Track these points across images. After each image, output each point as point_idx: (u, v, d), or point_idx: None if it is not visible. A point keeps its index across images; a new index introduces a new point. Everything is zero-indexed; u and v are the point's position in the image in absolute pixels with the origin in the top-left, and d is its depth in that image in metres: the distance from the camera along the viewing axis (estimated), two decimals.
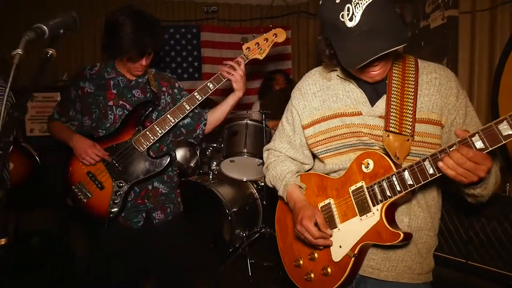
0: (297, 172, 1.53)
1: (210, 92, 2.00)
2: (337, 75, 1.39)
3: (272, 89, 4.09)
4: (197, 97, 1.98)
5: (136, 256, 2.04)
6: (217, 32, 4.80)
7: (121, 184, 1.94)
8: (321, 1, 1.19)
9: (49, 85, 3.65)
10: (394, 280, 1.31)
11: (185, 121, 2.15)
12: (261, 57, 2.09)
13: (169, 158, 1.99)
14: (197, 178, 3.48)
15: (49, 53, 0.97)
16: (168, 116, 1.96)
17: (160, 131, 1.95)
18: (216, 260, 3.22)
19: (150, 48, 1.89)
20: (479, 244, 1.69)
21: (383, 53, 1.07)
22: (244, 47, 2.08)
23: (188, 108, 1.98)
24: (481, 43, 2.43)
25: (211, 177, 3.42)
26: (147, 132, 1.94)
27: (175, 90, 2.15)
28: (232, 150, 3.29)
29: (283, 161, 1.56)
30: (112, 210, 1.93)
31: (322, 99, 1.42)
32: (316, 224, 1.32)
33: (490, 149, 1.03)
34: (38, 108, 3.76)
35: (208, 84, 2.00)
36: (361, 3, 1.09)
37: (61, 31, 1.01)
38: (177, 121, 1.98)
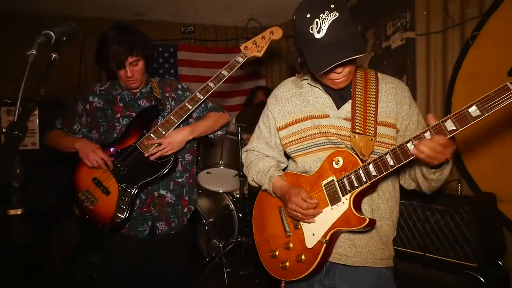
0: (278, 167, 1.69)
1: (211, 90, 2.03)
2: (308, 83, 1.58)
3: (251, 104, 4.32)
4: (198, 96, 2.00)
5: (140, 266, 2.04)
6: (193, 52, 4.97)
7: (126, 188, 1.92)
8: (294, 16, 1.39)
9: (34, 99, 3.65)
10: (360, 264, 1.47)
11: (192, 122, 2.14)
12: (259, 54, 2.14)
13: (174, 159, 1.97)
14: None
15: (53, 57, 1.09)
16: (171, 117, 1.97)
17: (164, 133, 1.95)
18: (193, 269, 3.27)
19: (130, 55, 1.90)
20: (434, 237, 1.88)
21: (344, 60, 1.26)
22: (241, 46, 2.13)
23: (190, 107, 1.98)
24: (435, 62, 2.70)
25: None
26: (151, 135, 1.95)
27: (179, 92, 2.16)
28: (208, 162, 3.41)
29: (263, 158, 1.72)
30: (118, 215, 1.90)
31: (294, 104, 1.60)
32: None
33: (460, 129, 1.21)
34: None
35: (209, 83, 2.03)
36: (327, 19, 1.29)
37: (64, 38, 1.13)
38: (180, 121, 1.97)
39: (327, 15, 1.29)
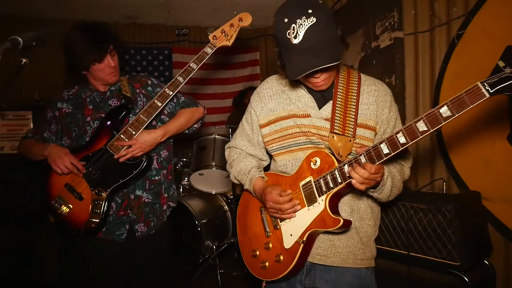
0: (259, 167, 1.70)
1: (181, 85, 1.96)
2: (292, 82, 1.59)
3: (242, 105, 4.32)
4: (167, 92, 1.94)
5: (117, 270, 2.01)
6: (187, 54, 4.99)
7: (100, 192, 1.88)
8: (274, 19, 1.39)
9: (21, 103, 3.70)
10: (340, 265, 1.48)
11: (165, 118, 2.10)
12: (229, 43, 2.04)
13: (147, 160, 1.92)
14: None
15: (23, 62, 1.10)
16: (141, 115, 1.91)
17: (134, 132, 1.89)
18: (186, 270, 3.29)
19: (109, 43, 1.90)
20: (418, 236, 1.88)
21: (317, 69, 1.28)
22: (210, 36, 2.03)
23: (160, 104, 1.92)
24: (423, 61, 2.70)
25: (181, 190, 3.53)
26: (121, 136, 1.90)
27: (149, 88, 2.10)
28: (200, 164, 3.43)
29: (245, 157, 1.72)
30: (93, 220, 1.87)
31: (277, 101, 1.60)
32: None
33: (431, 130, 1.21)
34: (9, 127, 3.79)
35: (178, 77, 1.96)
36: (304, 24, 1.29)
37: (34, 43, 1.15)
38: (150, 119, 1.91)
39: (304, 21, 1.29)
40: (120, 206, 1.97)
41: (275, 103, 1.61)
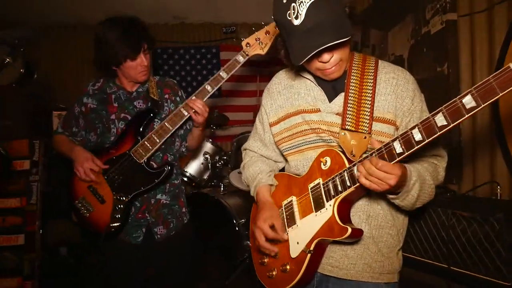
0: (270, 172, 1.57)
1: (209, 94, 1.92)
2: (300, 74, 1.44)
3: None
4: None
5: (136, 273, 2.01)
6: (235, 51, 4.94)
7: (121, 197, 1.88)
8: (273, 5, 1.26)
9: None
10: (354, 278, 1.31)
11: (181, 131, 2.09)
12: (263, 52, 1.96)
13: (169, 168, 1.92)
14: (209, 190, 3.56)
15: (6, 60, 1.10)
16: (166, 124, 1.89)
17: (158, 140, 1.88)
18: (224, 271, 3.25)
19: (144, 41, 1.86)
20: (461, 248, 1.61)
21: (324, 47, 1.11)
22: (243, 43, 1.95)
23: (185, 114, 1.90)
24: (481, 46, 2.35)
25: (222, 188, 3.49)
26: (145, 142, 1.89)
27: (177, 98, 2.08)
28: (240, 162, 3.35)
29: (255, 162, 1.61)
30: (113, 224, 1.87)
31: (286, 97, 1.47)
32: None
33: (427, 141, 1.03)
34: None
35: (206, 86, 1.92)
36: (305, 2, 1.13)
37: (16, 42, 1.14)
38: (175, 128, 1.90)
39: None
40: (139, 209, 1.96)
41: (284, 99, 1.47)
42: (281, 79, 1.52)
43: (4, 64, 1.06)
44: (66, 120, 2.07)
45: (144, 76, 1.95)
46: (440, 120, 1.01)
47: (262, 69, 4.99)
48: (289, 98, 1.45)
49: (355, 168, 1.19)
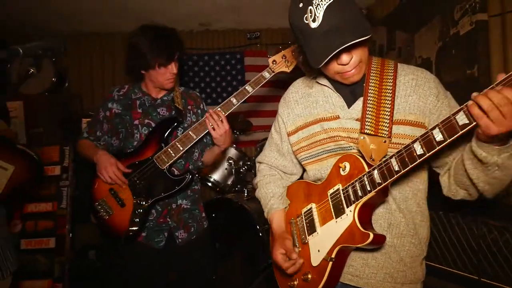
0: (282, 193, 1.56)
1: (234, 107, 1.95)
2: (317, 82, 1.42)
3: None
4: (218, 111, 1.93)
5: (158, 277, 2.03)
6: (259, 56, 4.96)
7: (141, 202, 1.92)
8: (289, 10, 1.25)
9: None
10: None
11: (200, 143, 2.13)
12: (288, 70, 1.98)
13: (190, 177, 1.96)
14: (232, 195, 3.56)
15: (31, 71, 1.14)
16: (190, 132, 1.93)
17: (181, 148, 1.91)
18: (247, 277, 3.23)
19: (176, 50, 1.93)
20: (492, 259, 1.53)
21: (344, 46, 1.09)
22: (270, 60, 1.98)
23: (210, 124, 1.91)
24: None
25: (245, 194, 3.49)
26: (169, 149, 1.92)
27: (199, 111, 2.14)
28: None
29: (267, 184, 1.60)
30: (132, 228, 1.91)
31: (303, 106, 1.45)
32: None
33: (448, 140, 0.99)
34: None
35: (232, 99, 1.94)
36: (321, 4, 1.12)
37: (40, 52, 1.18)
38: (198, 137, 1.93)
39: (321, 0, 1.12)
40: (160, 214, 1.99)
41: (302, 108, 1.45)
42: (298, 88, 1.50)
43: (29, 74, 1.11)
44: (91, 125, 2.13)
45: (171, 83, 2.01)
46: (461, 119, 0.97)
47: (287, 75, 4.97)
48: (307, 107, 1.44)
49: (374, 172, 1.16)
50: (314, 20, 1.14)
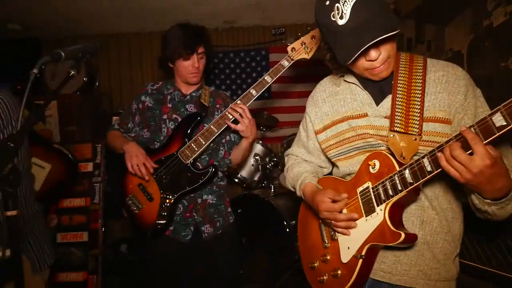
0: (314, 173, 1.56)
1: (254, 98, 1.94)
2: (344, 80, 1.42)
3: None
4: (239, 103, 1.93)
5: (184, 271, 2.07)
6: (284, 52, 4.94)
7: (168, 196, 1.97)
8: (315, 9, 1.25)
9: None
10: (408, 285, 1.26)
11: (228, 137, 2.15)
12: (308, 56, 1.95)
13: (213, 170, 1.99)
14: (259, 191, 3.59)
15: (71, 73, 1.19)
16: (212, 126, 1.95)
17: (203, 142, 1.94)
18: (274, 272, 3.25)
19: (198, 44, 1.98)
20: None
21: (373, 42, 1.09)
22: (289, 48, 1.97)
23: (231, 117, 1.93)
24: None
25: (272, 190, 3.51)
26: (192, 144, 1.95)
27: None
28: None
29: (299, 163, 1.62)
30: (159, 222, 1.95)
31: (331, 104, 1.45)
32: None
33: (484, 142, 0.97)
34: None
35: (251, 91, 1.94)
36: (348, 1, 1.13)
37: (80, 55, 1.23)
38: (220, 131, 1.95)
39: None
40: (187, 208, 2.03)
41: (329, 106, 1.45)
42: (325, 87, 1.51)
43: (69, 76, 1.16)
44: (123, 118, 2.20)
45: (194, 78, 2.05)
46: (498, 120, 0.95)
47: (312, 70, 4.95)
48: (334, 105, 1.44)
49: (406, 171, 1.15)
50: (341, 17, 1.14)
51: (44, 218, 2.06)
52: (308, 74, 4.96)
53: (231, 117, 1.94)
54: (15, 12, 3.84)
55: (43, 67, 1.14)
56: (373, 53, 1.18)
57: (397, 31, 1.11)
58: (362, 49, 1.11)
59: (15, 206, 1.01)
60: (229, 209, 2.17)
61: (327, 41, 1.26)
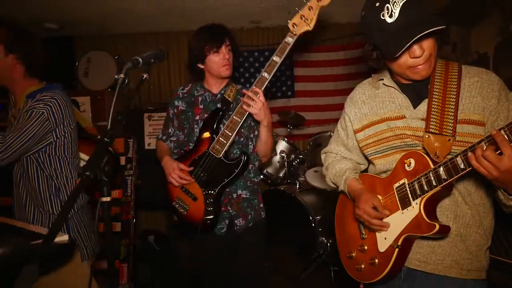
0: (355, 170, 1.68)
1: (267, 81, 1.95)
2: (384, 83, 1.53)
3: None
4: (255, 89, 1.97)
5: (218, 262, 2.17)
6: (309, 52, 5.06)
7: (210, 192, 2.05)
8: (363, 11, 1.37)
9: (163, 106, 4.33)
10: (442, 273, 1.37)
11: (256, 132, 2.20)
12: (310, 28, 1.95)
13: (245, 158, 2.04)
14: (285, 187, 3.71)
15: (144, 77, 1.34)
16: (234, 117, 1.99)
17: (230, 134, 1.98)
18: (300, 266, 3.38)
19: (226, 37, 2.09)
20: None
21: (422, 34, 1.19)
22: (289, 24, 1.95)
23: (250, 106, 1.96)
24: None
25: (297, 186, 3.63)
26: (220, 138, 2.01)
27: None
28: (316, 161, 3.47)
29: (340, 160, 1.74)
30: (208, 217, 2.04)
31: (370, 106, 1.57)
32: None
33: None
34: (154, 126, 4.47)
35: (263, 74, 1.95)
36: (398, 2, 1.25)
37: (152, 60, 1.38)
38: (243, 119, 1.98)
39: None
40: (222, 203, 2.13)
41: (368, 108, 1.57)
42: (364, 89, 1.62)
43: (143, 80, 1.31)
44: (164, 125, 2.32)
45: (227, 70, 2.13)
46: None
47: (336, 69, 5.04)
48: (373, 107, 1.56)
49: (440, 168, 1.26)
50: (390, 16, 1.26)
51: (90, 209, 2.22)
52: (330, 74, 5.07)
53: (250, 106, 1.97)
54: (53, 10, 4.03)
55: (125, 73, 1.28)
56: (417, 51, 1.28)
57: (443, 26, 1.21)
58: (412, 41, 1.21)
59: (109, 193, 1.17)
60: (261, 205, 2.26)
61: (374, 41, 1.36)
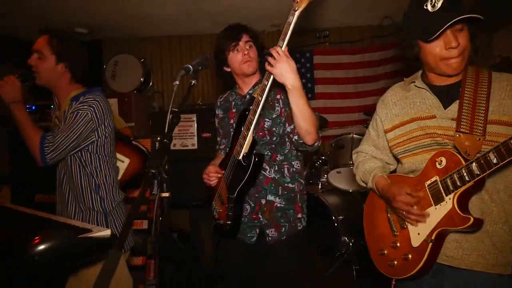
0: (383, 168, 1.76)
1: (286, 41, 1.85)
2: (415, 85, 1.61)
3: None
4: (265, 82, 1.80)
5: (245, 271, 2.09)
6: (328, 55, 5.13)
7: (230, 196, 1.98)
8: (406, 8, 1.50)
9: (188, 109, 4.44)
10: (468, 267, 1.44)
11: (287, 129, 2.03)
12: None
13: (256, 159, 1.88)
14: (308, 187, 3.77)
15: (192, 83, 1.46)
16: (250, 116, 1.88)
17: (246, 133, 1.88)
18: (323, 265, 3.44)
19: (244, 33, 2.03)
20: None
21: (461, 18, 1.31)
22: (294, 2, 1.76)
23: (260, 99, 1.80)
24: None
25: (320, 187, 3.70)
26: (240, 139, 1.93)
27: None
28: (338, 162, 3.55)
29: (369, 159, 1.82)
30: (226, 222, 1.99)
31: (401, 107, 1.65)
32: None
33: None
34: (180, 127, 4.57)
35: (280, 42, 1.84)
36: None
37: (200, 68, 1.50)
38: (256, 114, 1.82)
39: None
40: (253, 210, 2.03)
41: (399, 109, 1.66)
42: (396, 92, 1.71)
43: (191, 86, 1.45)
44: (217, 136, 2.34)
45: (250, 67, 2.04)
46: None
47: (358, 71, 5.11)
48: (404, 107, 1.64)
49: (473, 164, 1.33)
50: (433, 6, 1.39)
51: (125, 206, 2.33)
52: (350, 76, 5.14)
53: (260, 98, 1.80)
54: (84, 16, 4.19)
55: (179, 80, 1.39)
56: (453, 41, 1.38)
57: (481, 17, 1.33)
58: (450, 23, 1.31)
59: (169, 189, 1.29)
60: (300, 215, 2.05)
61: (414, 34, 1.46)
